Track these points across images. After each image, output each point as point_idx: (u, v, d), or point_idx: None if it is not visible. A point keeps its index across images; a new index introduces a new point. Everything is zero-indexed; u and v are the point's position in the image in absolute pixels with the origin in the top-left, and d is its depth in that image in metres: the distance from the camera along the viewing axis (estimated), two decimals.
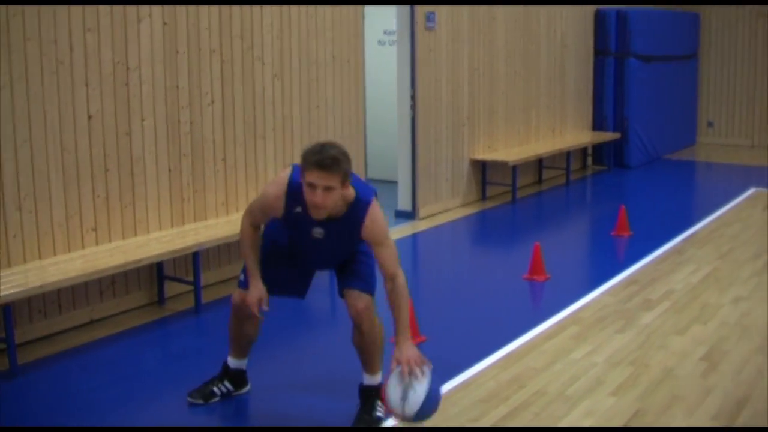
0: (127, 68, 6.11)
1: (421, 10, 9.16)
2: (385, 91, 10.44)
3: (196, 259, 6.33)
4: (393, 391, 3.87)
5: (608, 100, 12.90)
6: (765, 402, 4.70)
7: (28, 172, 5.55)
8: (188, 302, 6.44)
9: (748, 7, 14.53)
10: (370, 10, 9.48)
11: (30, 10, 5.47)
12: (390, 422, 4.40)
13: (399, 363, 3.93)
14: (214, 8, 6.74)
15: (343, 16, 8.11)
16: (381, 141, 10.67)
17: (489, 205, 10.20)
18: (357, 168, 7.46)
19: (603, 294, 6.66)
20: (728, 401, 4.71)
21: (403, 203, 9.47)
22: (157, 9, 6.28)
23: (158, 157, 6.40)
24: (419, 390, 3.86)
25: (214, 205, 6.88)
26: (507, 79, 10.80)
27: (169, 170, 6.50)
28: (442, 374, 4.92)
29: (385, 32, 11.16)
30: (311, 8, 7.69)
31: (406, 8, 9.13)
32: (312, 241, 4.27)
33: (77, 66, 5.79)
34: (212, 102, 6.79)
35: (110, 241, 6.11)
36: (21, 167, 5.50)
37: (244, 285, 4.42)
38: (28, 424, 4.51)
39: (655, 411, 4.60)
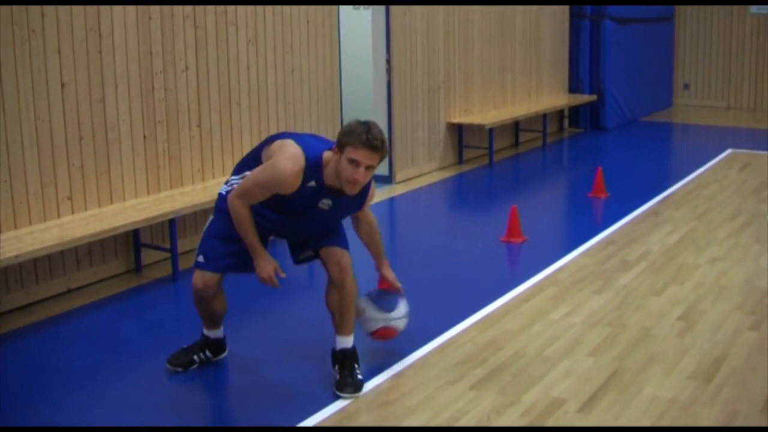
0: (100, 35, 6.03)
1: None
2: (361, 55, 10.37)
3: (172, 226, 6.30)
4: (394, 303, 4.72)
5: (584, 63, 12.87)
6: (741, 360, 4.76)
7: (2, 142, 5.48)
8: (165, 269, 6.43)
9: None
10: None
11: None
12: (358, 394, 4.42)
13: (389, 280, 4.79)
14: None
15: None
16: (357, 105, 10.60)
17: (466, 168, 10.20)
18: (333, 132, 7.43)
19: (580, 255, 6.69)
20: (705, 360, 4.76)
21: (380, 167, 9.38)
22: None
23: (133, 124, 6.34)
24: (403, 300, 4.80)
25: (190, 172, 6.84)
26: (482, 43, 10.76)
27: (144, 137, 6.44)
28: (420, 337, 5.06)
29: None
30: None
31: None
32: (315, 212, 4.33)
33: (49, 34, 5.71)
34: (186, 68, 6.72)
35: (86, 209, 6.07)
36: None
37: (204, 266, 4.46)
38: (7, 394, 4.49)
39: (633, 370, 4.64)
